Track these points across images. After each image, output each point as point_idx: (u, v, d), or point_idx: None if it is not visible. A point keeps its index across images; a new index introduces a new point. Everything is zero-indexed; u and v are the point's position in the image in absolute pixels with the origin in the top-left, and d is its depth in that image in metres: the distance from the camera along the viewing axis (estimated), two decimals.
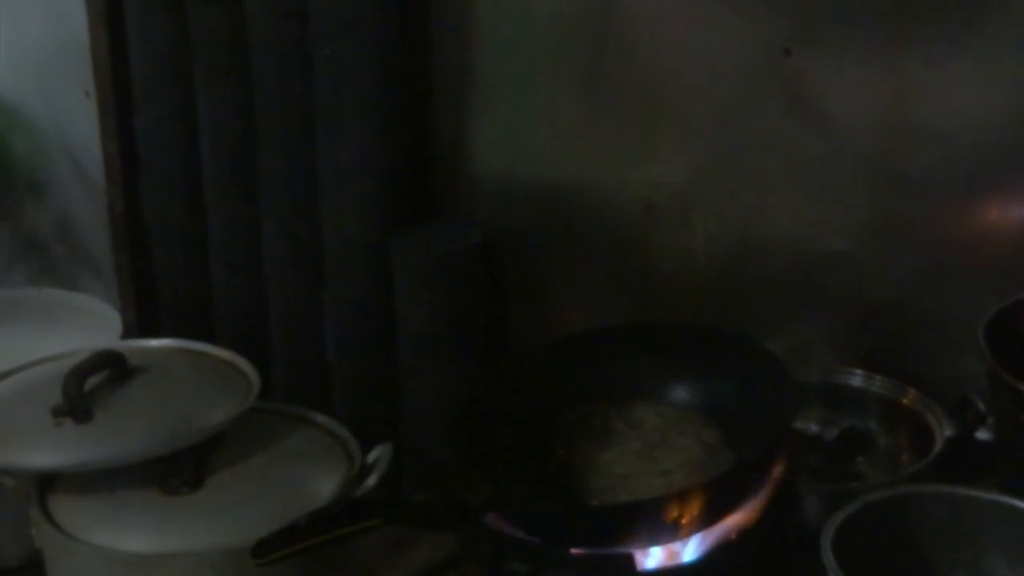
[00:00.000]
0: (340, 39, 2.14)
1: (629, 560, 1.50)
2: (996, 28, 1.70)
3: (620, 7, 1.99)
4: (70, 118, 2.75)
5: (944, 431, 1.72)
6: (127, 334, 2.50)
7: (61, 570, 1.83)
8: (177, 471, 1.83)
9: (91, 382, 1.91)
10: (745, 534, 1.53)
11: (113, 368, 1.96)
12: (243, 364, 2.06)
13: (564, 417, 1.71)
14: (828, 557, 1.42)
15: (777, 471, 1.55)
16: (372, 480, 1.84)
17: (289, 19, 2.22)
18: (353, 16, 2.12)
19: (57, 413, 1.86)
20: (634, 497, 1.55)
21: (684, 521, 1.47)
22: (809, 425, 1.86)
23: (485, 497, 1.52)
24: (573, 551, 1.51)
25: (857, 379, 1.86)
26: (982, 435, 1.71)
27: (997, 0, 1.69)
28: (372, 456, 1.90)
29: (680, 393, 1.74)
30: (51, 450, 1.81)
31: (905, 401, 1.81)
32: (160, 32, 2.44)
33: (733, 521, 1.54)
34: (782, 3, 1.84)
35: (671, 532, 1.49)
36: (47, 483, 1.85)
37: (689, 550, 1.55)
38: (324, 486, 1.83)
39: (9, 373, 2.04)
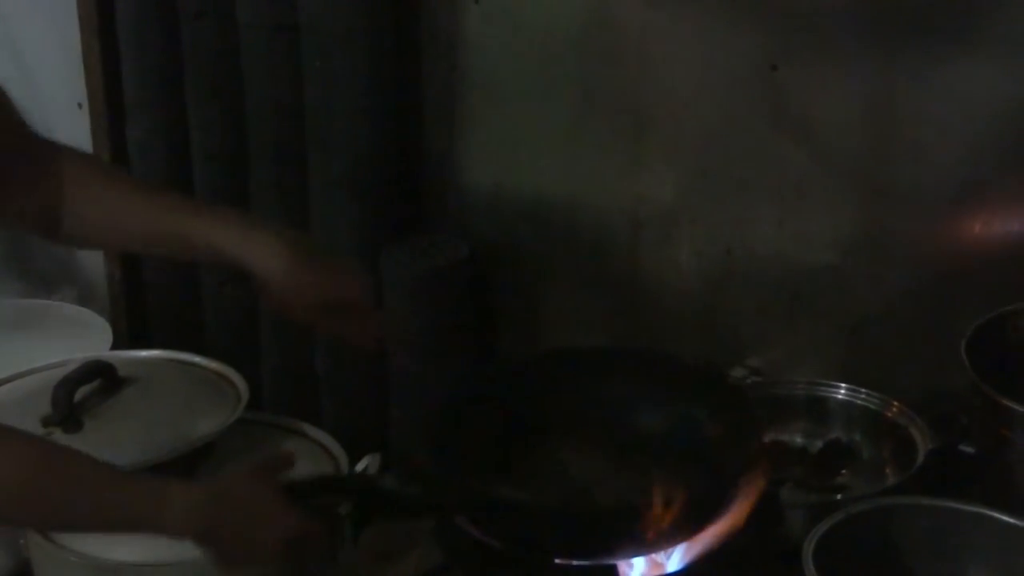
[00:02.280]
0: (332, 52, 2.15)
1: (613, 571, 1.50)
2: (981, 44, 1.71)
3: (609, 22, 2.00)
4: (63, 129, 2.75)
5: (927, 444, 1.72)
6: (117, 345, 2.51)
7: None
8: None
9: (81, 392, 1.92)
10: (728, 545, 1.54)
11: (103, 378, 1.96)
12: (232, 375, 2.07)
13: (541, 427, 1.70)
14: (809, 568, 1.42)
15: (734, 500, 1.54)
16: None
17: (281, 32, 2.23)
18: (345, 29, 2.13)
19: (47, 423, 1.87)
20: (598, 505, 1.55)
21: (648, 534, 1.47)
22: (794, 437, 1.87)
23: (458, 498, 1.53)
24: (557, 561, 1.52)
25: (842, 392, 1.87)
26: (965, 448, 1.72)
27: (981, 16, 1.70)
28: (360, 467, 1.90)
29: (643, 417, 1.72)
30: None
31: (889, 414, 1.82)
32: (152, 44, 2.45)
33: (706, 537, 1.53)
34: (769, 19, 1.85)
35: (633, 542, 1.49)
36: None
37: (673, 561, 1.55)
38: None
39: (2, 382, 2.05)
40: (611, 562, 1.51)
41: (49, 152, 1.65)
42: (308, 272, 1.61)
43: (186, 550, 1.73)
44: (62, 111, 2.76)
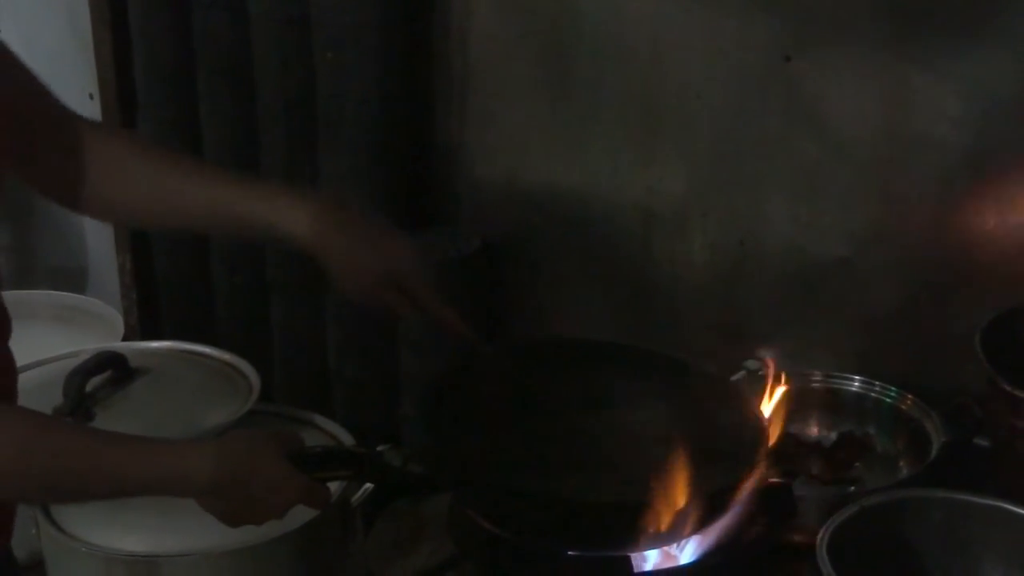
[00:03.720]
0: (343, 45, 2.15)
1: (626, 563, 1.50)
2: (995, 36, 1.71)
3: (622, 14, 2.00)
4: None
5: (941, 436, 1.72)
6: (129, 336, 2.51)
7: (62, 570, 1.84)
8: None
9: (93, 383, 1.92)
10: (742, 537, 1.53)
11: (114, 369, 1.97)
12: (244, 367, 2.06)
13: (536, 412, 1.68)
14: (824, 560, 1.42)
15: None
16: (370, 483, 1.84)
17: (292, 24, 2.23)
18: (356, 22, 2.13)
19: (59, 413, 1.87)
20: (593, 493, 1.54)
21: (659, 528, 1.46)
22: (808, 430, 1.87)
23: (463, 481, 1.53)
24: (570, 553, 1.52)
25: (856, 385, 1.87)
26: (979, 441, 1.71)
27: (994, 9, 1.70)
28: None
29: (644, 411, 1.71)
30: None
31: (903, 407, 1.81)
32: (163, 36, 2.45)
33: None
34: (782, 10, 1.85)
35: (644, 535, 1.48)
36: None
37: (686, 554, 1.55)
38: None
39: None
40: (623, 554, 1.51)
41: (75, 123, 1.63)
42: (360, 240, 1.55)
43: (195, 541, 1.74)
44: (73, 102, 2.72)
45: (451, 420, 1.61)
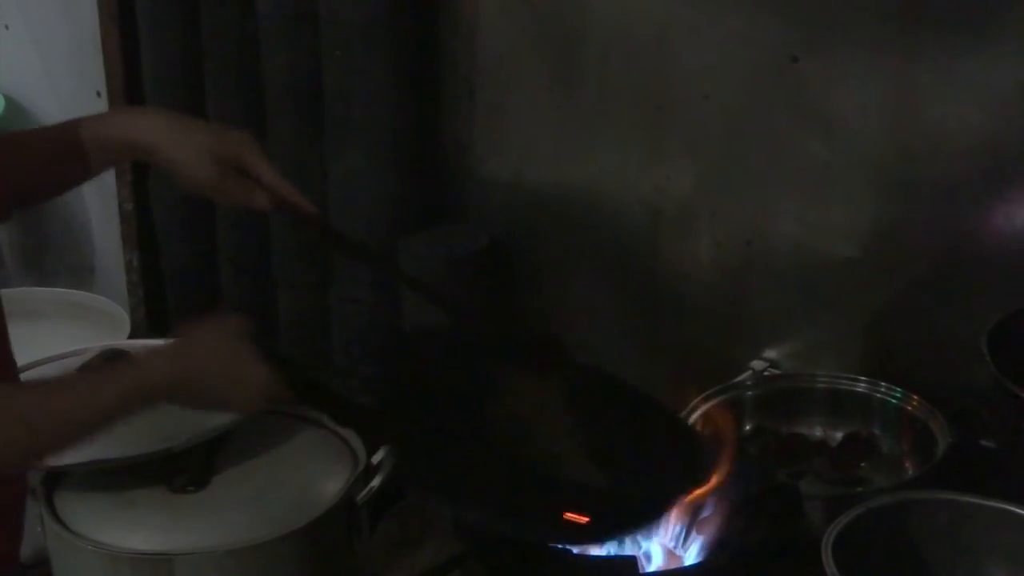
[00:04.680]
0: (351, 42, 2.15)
1: (632, 563, 1.50)
2: (1002, 37, 1.71)
3: (630, 13, 2.00)
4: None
5: (947, 438, 1.72)
6: (136, 333, 2.51)
7: (67, 568, 1.84)
8: (183, 470, 1.84)
9: None
10: (747, 537, 1.53)
11: None
12: None
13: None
14: (829, 561, 1.42)
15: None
16: (377, 481, 1.84)
17: (300, 21, 2.23)
18: (364, 19, 2.13)
19: None
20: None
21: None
22: (813, 430, 1.87)
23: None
24: (576, 552, 1.52)
25: (861, 385, 1.87)
26: (985, 442, 1.71)
27: (1003, 10, 1.69)
28: (377, 457, 1.90)
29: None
30: None
31: (909, 408, 1.81)
32: (171, 32, 2.46)
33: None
34: (790, 10, 1.85)
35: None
36: (54, 481, 1.86)
37: (691, 553, 1.55)
38: (329, 486, 1.83)
39: (19, 371, 2.05)
40: (631, 555, 1.51)
41: None
42: (193, 126, 1.63)
43: (203, 539, 1.74)
44: (80, 99, 2.76)
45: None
